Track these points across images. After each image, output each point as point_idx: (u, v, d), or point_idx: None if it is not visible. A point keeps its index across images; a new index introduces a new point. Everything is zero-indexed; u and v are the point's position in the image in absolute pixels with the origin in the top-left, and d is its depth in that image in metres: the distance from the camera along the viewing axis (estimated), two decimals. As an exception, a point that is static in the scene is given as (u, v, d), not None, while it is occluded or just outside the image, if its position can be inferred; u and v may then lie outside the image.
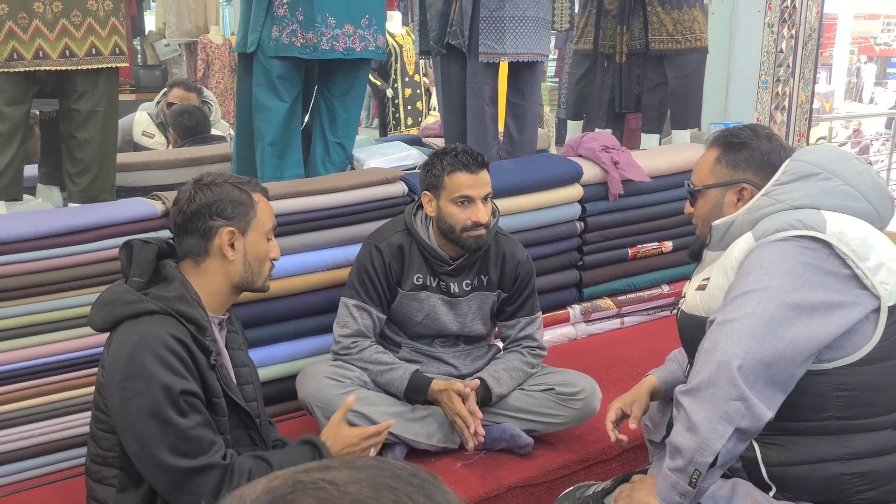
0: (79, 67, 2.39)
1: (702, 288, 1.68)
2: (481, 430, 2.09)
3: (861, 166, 1.66)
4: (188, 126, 3.87)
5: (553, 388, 2.29)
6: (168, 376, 1.47)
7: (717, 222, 1.68)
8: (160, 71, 7.89)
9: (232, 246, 1.65)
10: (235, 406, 1.64)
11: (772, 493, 1.54)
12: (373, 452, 1.81)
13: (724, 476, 1.58)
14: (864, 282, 1.47)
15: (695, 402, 1.46)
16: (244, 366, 1.76)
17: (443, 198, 2.21)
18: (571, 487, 1.96)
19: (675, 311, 1.86)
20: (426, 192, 2.25)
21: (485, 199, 2.21)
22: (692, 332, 1.68)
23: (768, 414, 1.43)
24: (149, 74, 7.59)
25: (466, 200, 2.19)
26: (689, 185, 1.79)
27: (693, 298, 1.71)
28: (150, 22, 8.35)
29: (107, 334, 1.60)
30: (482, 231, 2.21)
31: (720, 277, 1.61)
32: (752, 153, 1.70)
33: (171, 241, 1.72)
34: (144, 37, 8.18)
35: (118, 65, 2.47)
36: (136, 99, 6.42)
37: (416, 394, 2.20)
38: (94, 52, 2.40)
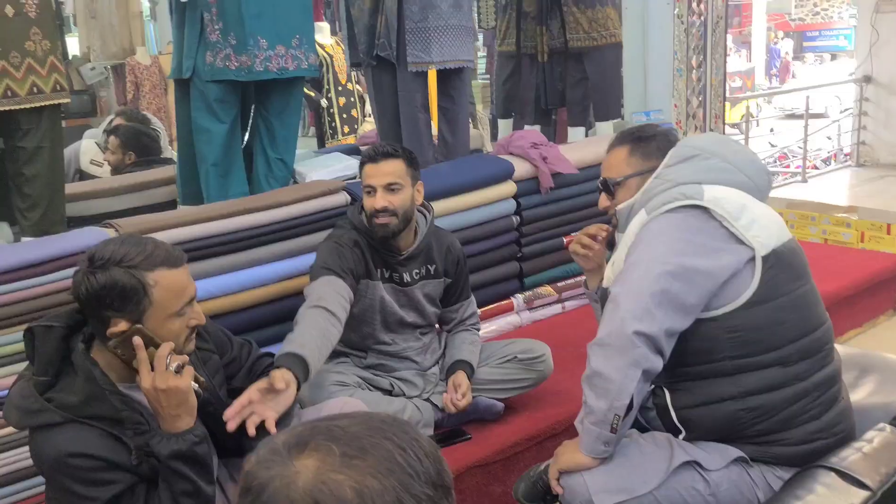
0: (21, 107, 2.46)
1: (612, 264, 1.91)
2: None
3: (737, 146, 1.94)
4: (146, 145, 3.98)
5: (516, 357, 2.53)
6: (92, 490, 1.46)
7: (620, 206, 1.92)
8: (88, 95, 7.83)
9: None
10: None
11: (681, 437, 1.76)
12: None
13: (641, 428, 1.78)
14: (739, 237, 1.69)
15: (602, 354, 1.66)
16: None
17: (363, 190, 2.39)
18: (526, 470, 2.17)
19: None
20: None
21: (387, 187, 2.32)
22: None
23: (666, 352, 1.65)
24: (77, 100, 7.48)
25: (371, 189, 2.35)
26: (606, 181, 1.99)
27: (607, 272, 1.93)
28: (73, 45, 8.23)
29: None
30: (385, 219, 2.33)
31: (622, 251, 1.83)
32: (659, 143, 1.95)
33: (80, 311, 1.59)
34: (69, 62, 8.07)
35: (60, 101, 2.56)
36: (67, 126, 6.38)
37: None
38: (35, 90, 2.49)
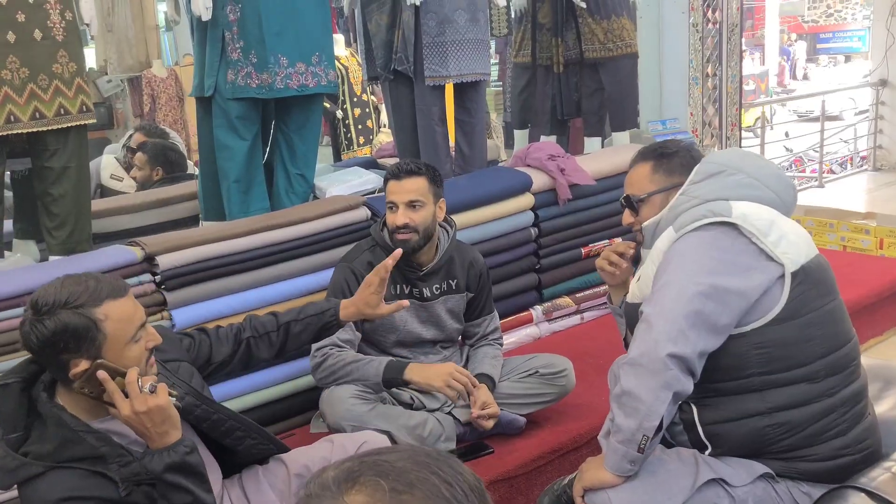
0: (49, 128, 2.51)
1: (638, 279, 1.92)
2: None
3: (762, 161, 1.96)
4: (173, 161, 4.07)
5: (537, 371, 2.55)
6: None
7: (646, 223, 1.92)
8: (105, 108, 7.89)
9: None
10: None
11: (707, 452, 1.76)
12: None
13: (667, 444, 1.80)
14: (769, 253, 1.70)
15: (634, 374, 1.66)
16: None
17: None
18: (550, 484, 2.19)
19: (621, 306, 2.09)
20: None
21: (409, 204, 2.38)
22: (633, 318, 1.89)
23: (697, 373, 1.66)
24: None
25: (393, 206, 2.40)
26: (629, 198, 1.99)
27: (633, 288, 1.94)
28: (89, 58, 8.32)
29: None
30: (406, 235, 2.39)
31: (649, 267, 1.83)
32: (682, 159, 1.96)
33: (34, 360, 1.59)
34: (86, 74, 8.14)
35: (86, 122, 2.61)
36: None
37: (393, 375, 2.33)
38: (62, 111, 2.53)
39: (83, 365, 1.48)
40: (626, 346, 2.07)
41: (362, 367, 2.35)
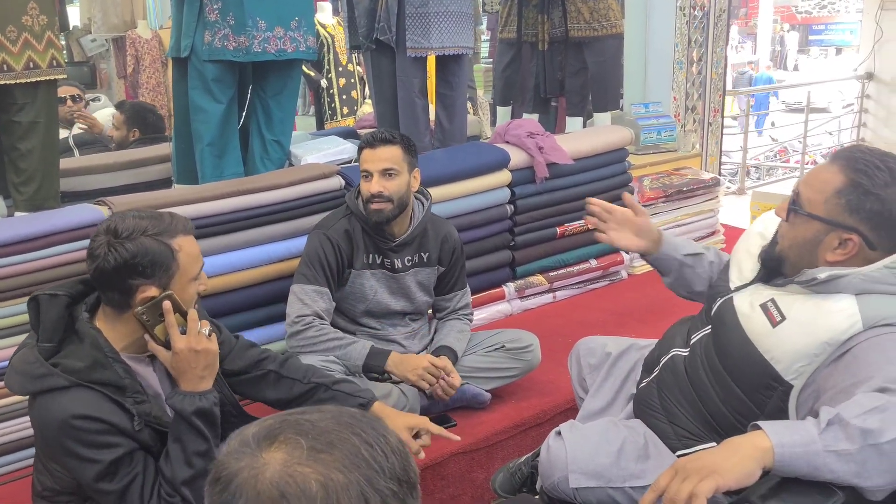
0: (17, 81, 2.46)
1: (770, 318, 1.57)
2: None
3: None
4: (150, 122, 4.04)
5: (504, 346, 2.56)
6: (95, 453, 1.50)
7: (822, 276, 1.52)
8: (88, 67, 7.79)
9: None
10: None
11: None
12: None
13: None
14: None
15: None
16: None
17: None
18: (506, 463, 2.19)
19: (718, 300, 1.73)
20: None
21: (383, 173, 2.37)
22: (729, 341, 1.63)
23: None
24: (76, 71, 7.47)
25: (367, 174, 2.39)
26: (796, 199, 1.58)
27: (755, 317, 1.60)
28: (74, 15, 8.17)
29: None
30: (380, 205, 2.38)
31: (804, 338, 1.49)
32: (881, 206, 1.49)
33: (84, 280, 1.64)
34: (69, 32, 8.03)
35: (56, 77, 2.56)
36: (65, 97, 6.36)
37: (375, 362, 2.37)
38: (31, 65, 2.49)
39: (152, 291, 1.55)
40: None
41: (345, 346, 2.37)
